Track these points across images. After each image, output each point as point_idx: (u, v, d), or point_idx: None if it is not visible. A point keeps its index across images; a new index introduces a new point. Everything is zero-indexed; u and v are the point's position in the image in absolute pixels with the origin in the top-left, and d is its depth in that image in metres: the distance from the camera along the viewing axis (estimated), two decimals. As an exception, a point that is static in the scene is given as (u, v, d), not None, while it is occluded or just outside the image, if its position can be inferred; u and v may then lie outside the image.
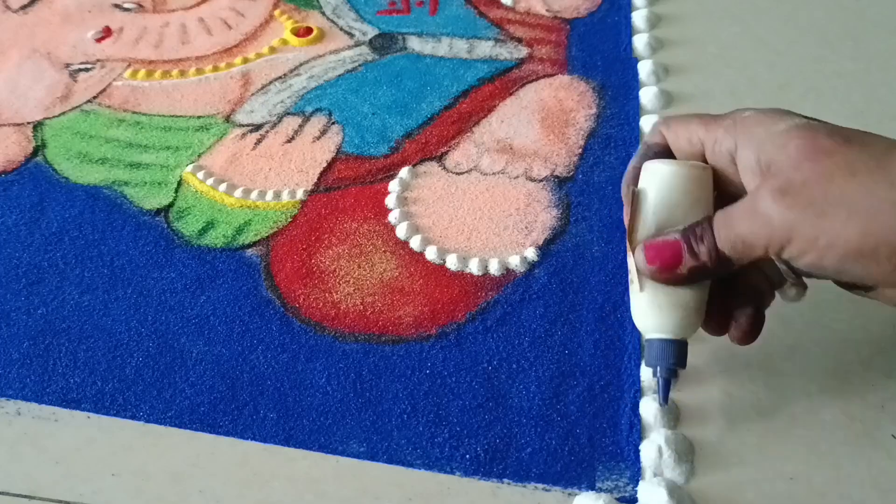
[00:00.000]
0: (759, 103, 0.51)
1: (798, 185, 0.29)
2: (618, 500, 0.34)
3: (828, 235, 0.29)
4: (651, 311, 0.34)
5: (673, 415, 0.36)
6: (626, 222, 0.34)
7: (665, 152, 0.35)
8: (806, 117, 0.32)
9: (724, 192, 0.33)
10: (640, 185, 0.34)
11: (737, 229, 0.31)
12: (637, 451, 0.35)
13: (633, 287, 0.34)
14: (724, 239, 0.31)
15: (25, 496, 0.34)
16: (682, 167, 0.33)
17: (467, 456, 0.35)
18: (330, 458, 0.35)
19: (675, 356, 0.34)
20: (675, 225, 0.33)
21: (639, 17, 0.58)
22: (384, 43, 0.56)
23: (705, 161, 0.34)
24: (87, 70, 0.54)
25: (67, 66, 0.54)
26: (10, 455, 0.35)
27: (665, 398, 0.35)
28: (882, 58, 0.55)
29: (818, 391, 0.37)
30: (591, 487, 0.34)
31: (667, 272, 0.32)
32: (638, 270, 0.33)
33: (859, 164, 0.29)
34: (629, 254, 0.34)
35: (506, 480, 0.34)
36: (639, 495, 0.34)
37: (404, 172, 0.47)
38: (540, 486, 0.34)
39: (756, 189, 0.31)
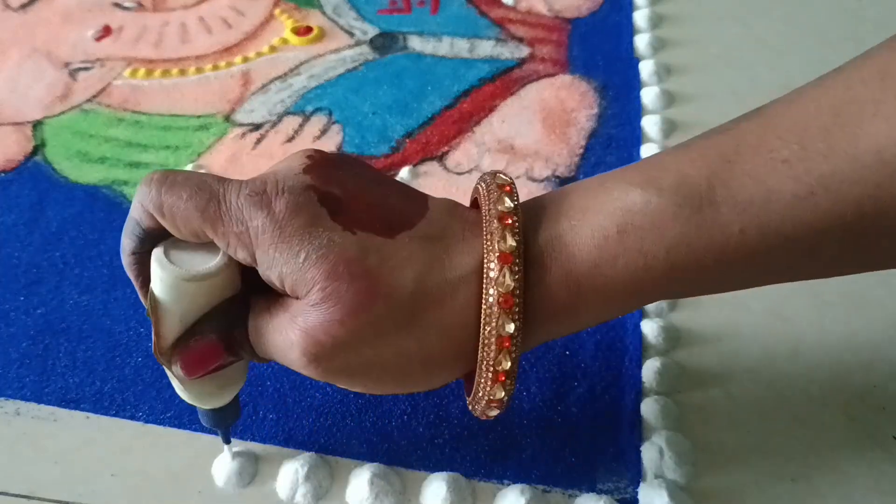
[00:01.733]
0: (761, 103, 0.52)
1: (328, 350, 0.27)
2: (618, 501, 0.33)
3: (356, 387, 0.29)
4: (200, 399, 0.31)
5: (674, 416, 0.36)
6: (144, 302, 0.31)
7: (163, 232, 0.29)
8: (326, 229, 0.28)
9: None
10: (153, 286, 0.29)
11: (270, 349, 0.29)
12: (638, 453, 0.35)
13: (176, 386, 0.31)
14: (261, 351, 0.29)
15: (24, 496, 0.34)
16: (190, 281, 0.28)
17: (468, 457, 0.35)
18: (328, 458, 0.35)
19: (227, 417, 0.32)
20: (205, 322, 0.29)
21: (640, 17, 0.57)
22: (385, 42, 0.56)
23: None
24: (86, 69, 0.54)
25: (67, 65, 0.54)
26: (9, 455, 0.35)
27: (227, 441, 0.34)
28: (884, 58, 0.54)
29: (819, 393, 0.37)
30: (592, 489, 0.34)
31: (206, 372, 0.30)
32: (178, 378, 0.30)
33: (388, 324, 0.27)
34: (157, 356, 0.30)
35: (506, 482, 0.34)
36: (640, 497, 0.33)
37: (405, 172, 0.47)
38: (540, 487, 0.34)
39: (289, 321, 0.28)
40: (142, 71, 0.53)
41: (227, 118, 0.50)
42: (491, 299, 0.27)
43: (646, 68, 0.53)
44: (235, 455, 0.34)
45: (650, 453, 0.35)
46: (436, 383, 0.30)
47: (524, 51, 0.55)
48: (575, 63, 0.54)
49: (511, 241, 0.28)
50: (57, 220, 0.44)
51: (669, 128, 0.49)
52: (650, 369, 0.38)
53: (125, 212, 0.45)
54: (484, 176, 0.30)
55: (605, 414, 0.36)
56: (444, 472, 0.34)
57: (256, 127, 0.50)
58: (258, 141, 0.49)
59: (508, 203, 0.28)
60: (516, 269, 0.27)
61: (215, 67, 0.54)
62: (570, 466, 0.35)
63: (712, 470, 0.35)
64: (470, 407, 0.30)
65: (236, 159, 0.48)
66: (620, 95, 0.52)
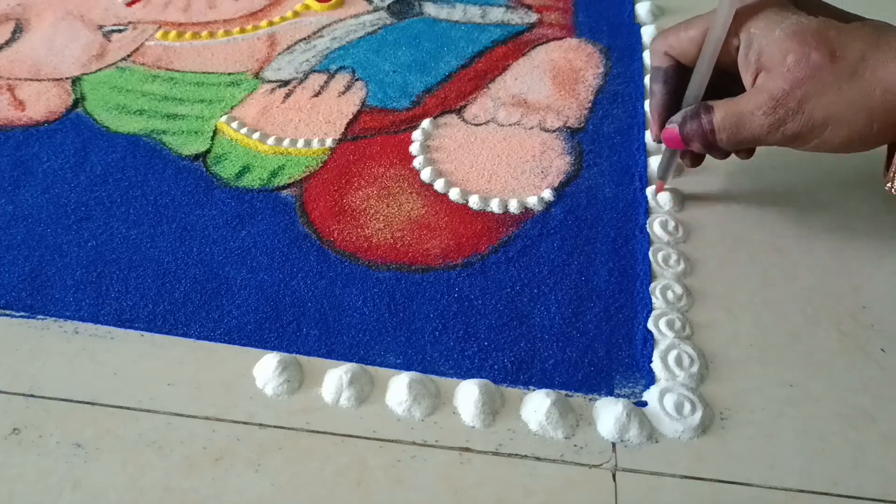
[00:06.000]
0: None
1: (794, 102, 0.37)
2: (635, 404, 0.37)
3: (818, 141, 0.37)
4: None
5: (682, 331, 0.39)
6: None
7: (674, 70, 0.42)
8: (797, 12, 0.38)
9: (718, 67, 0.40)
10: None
11: (737, 123, 0.39)
12: (650, 362, 0.38)
13: None
14: (729, 131, 0.39)
15: (88, 402, 0.37)
16: None
17: (495, 367, 0.38)
18: (368, 368, 0.38)
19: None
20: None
21: (641, -12, 0.61)
22: (401, 8, 0.59)
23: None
24: (119, 31, 0.56)
25: (100, 27, 0.57)
26: (71, 367, 0.38)
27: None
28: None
29: (814, 312, 0.41)
30: (610, 393, 0.37)
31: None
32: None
33: (842, 80, 0.36)
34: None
35: (531, 388, 0.38)
36: (650, 398, 0.37)
37: (426, 123, 0.50)
38: (563, 392, 0.37)
39: (756, 90, 0.38)
40: (173, 33, 0.56)
41: (257, 75, 0.53)
42: None
43: (647, 33, 0.57)
44: (282, 363, 0.37)
45: (660, 362, 0.38)
46: (871, 141, 0.37)
47: (533, 17, 0.59)
48: (581, 28, 0.58)
49: None
50: (101, 164, 0.47)
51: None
52: (660, 291, 0.41)
53: (165, 158, 0.48)
54: None
55: (620, 329, 0.40)
56: (475, 378, 0.37)
57: (284, 83, 0.53)
58: (287, 95, 0.52)
59: None
60: None
61: (242, 31, 0.57)
62: (590, 374, 0.38)
63: (717, 377, 0.38)
64: (886, 183, 0.38)
65: (267, 111, 0.51)
66: (624, 57, 0.55)
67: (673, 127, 0.41)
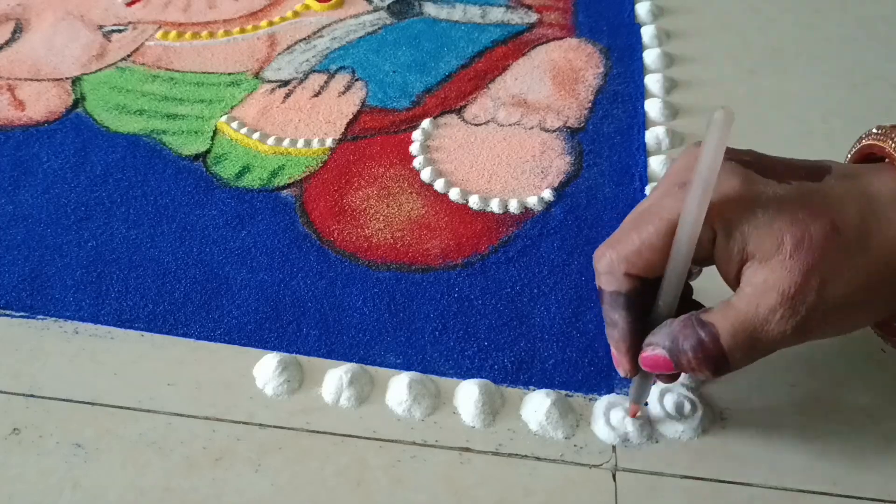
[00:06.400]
0: (756, 65, 0.55)
1: (812, 294, 0.29)
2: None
3: (852, 325, 0.32)
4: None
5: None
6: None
7: (637, 291, 0.32)
8: (767, 182, 0.31)
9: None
10: None
11: (747, 335, 0.30)
12: (651, 362, 0.38)
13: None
14: (738, 348, 0.31)
15: (88, 402, 0.37)
16: None
17: (495, 367, 0.38)
18: (368, 368, 0.38)
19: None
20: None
21: (641, -13, 0.61)
22: (401, 8, 0.59)
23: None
24: (119, 31, 0.57)
25: (100, 27, 0.57)
26: (71, 368, 0.38)
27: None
28: (868, 24, 0.58)
29: (814, 311, 0.41)
30: (610, 393, 0.37)
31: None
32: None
33: (853, 251, 0.30)
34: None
35: (531, 388, 0.38)
36: (651, 399, 0.37)
37: (426, 123, 0.50)
38: (563, 392, 0.37)
39: (758, 291, 0.30)
40: (173, 33, 0.56)
41: (257, 75, 0.53)
42: None
43: (647, 33, 0.57)
44: (282, 363, 0.37)
45: (662, 362, 0.38)
46: (883, 311, 0.32)
47: (533, 17, 0.59)
48: (581, 28, 0.58)
49: None
50: (101, 164, 0.47)
51: (670, 85, 0.53)
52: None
53: (165, 158, 0.48)
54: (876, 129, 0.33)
55: (620, 329, 0.40)
56: (476, 378, 0.37)
57: (284, 83, 0.53)
58: (287, 95, 0.52)
59: None
60: None
61: (242, 31, 0.57)
62: (590, 374, 0.38)
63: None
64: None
65: (267, 111, 0.51)
66: (624, 57, 0.55)
67: (659, 353, 0.32)
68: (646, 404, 0.36)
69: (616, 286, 0.32)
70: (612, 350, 0.34)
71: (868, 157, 0.34)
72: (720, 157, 0.29)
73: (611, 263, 0.32)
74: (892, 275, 0.30)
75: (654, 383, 0.35)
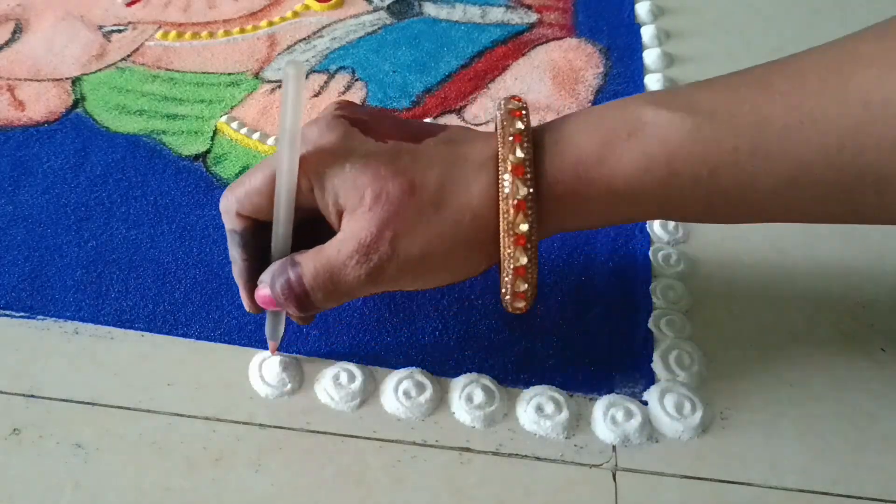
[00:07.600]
0: (754, 64, 0.55)
1: (385, 245, 0.32)
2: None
3: (421, 283, 0.34)
4: None
5: (683, 330, 0.39)
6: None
7: (251, 231, 0.35)
8: (366, 140, 0.33)
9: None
10: None
11: (330, 277, 0.33)
12: (650, 362, 0.38)
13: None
14: (322, 287, 0.33)
15: (88, 403, 0.37)
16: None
17: (496, 367, 0.38)
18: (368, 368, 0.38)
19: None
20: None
21: (640, -13, 0.61)
22: (401, 8, 0.59)
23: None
24: (119, 31, 0.56)
25: (100, 27, 0.57)
26: (71, 368, 0.38)
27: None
28: (866, 23, 0.58)
29: (814, 311, 0.41)
30: (610, 393, 0.37)
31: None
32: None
33: (428, 213, 0.32)
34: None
35: (531, 388, 0.37)
36: (651, 397, 0.37)
37: (426, 123, 0.50)
38: (563, 392, 0.37)
39: (343, 237, 0.32)
40: (172, 34, 0.56)
41: (256, 75, 0.53)
42: (507, 188, 0.31)
43: (647, 33, 0.57)
44: (282, 363, 0.37)
45: (661, 361, 0.38)
46: (474, 268, 0.34)
47: (533, 17, 0.59)
48: (581, 28, 0.58)
49: (522, 153, 0.32)
50: (101, 164, 0.47)
51: (671, 85, 0.53)
52: (660, 291, 0.41)
53: (165, 158, 0.48)
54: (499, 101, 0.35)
55: (620, 330, 0.40)
56: (476, 378, 0.37)
57: (284, 83, 0.53)
58: (287, 95, 0.52)
59: (519, 125, 0.33)
60: (528, 176, 0.31)
61: (242, 31, 0.57)
62: (590, 374, 0.38)
63: (717, 376, 0.38)
64: (503, 302, 0.34)
65: (267, 111, 0.51)
66: (624, 57, 0.55)
67: (263, 291, 0.34)
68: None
69: (231, 225, 0.35)
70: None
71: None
72: (300, 109, 0.31)
73: (227, 203, 0.35)
74: (466, 236, 0.32)
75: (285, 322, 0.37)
